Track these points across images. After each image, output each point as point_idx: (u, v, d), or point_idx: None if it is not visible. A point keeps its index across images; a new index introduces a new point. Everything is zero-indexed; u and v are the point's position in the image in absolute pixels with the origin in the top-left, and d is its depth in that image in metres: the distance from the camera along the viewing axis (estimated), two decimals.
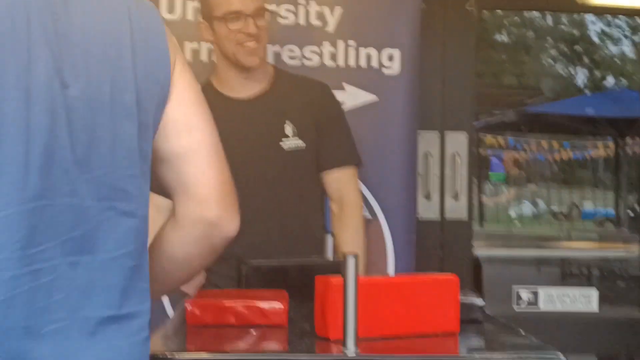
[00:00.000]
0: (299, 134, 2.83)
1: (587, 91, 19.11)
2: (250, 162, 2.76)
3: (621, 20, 18.00)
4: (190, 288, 2.17)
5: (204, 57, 3.51)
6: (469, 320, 1.96)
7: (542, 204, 19.35)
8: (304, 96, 2.90)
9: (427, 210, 4.02)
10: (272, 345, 1.79)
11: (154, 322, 1.85)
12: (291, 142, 2.82)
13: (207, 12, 2.87)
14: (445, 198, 4.08)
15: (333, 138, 2.90)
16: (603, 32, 19.08)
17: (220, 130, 2.85)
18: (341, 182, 2.89)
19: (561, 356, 1.63)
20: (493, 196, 18.55)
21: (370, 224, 3.34)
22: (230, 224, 1.55)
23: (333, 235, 2.91)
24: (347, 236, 2.85)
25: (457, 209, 4.08)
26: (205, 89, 2.90)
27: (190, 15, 3.51)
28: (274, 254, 2.60)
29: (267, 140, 2.82)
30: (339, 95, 3.18)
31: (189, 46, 3.51)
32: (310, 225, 2.87)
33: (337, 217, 2.89)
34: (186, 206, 1.53)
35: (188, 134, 1.52)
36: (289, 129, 2.82)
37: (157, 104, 1.45)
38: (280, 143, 2.81)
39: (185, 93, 1.52)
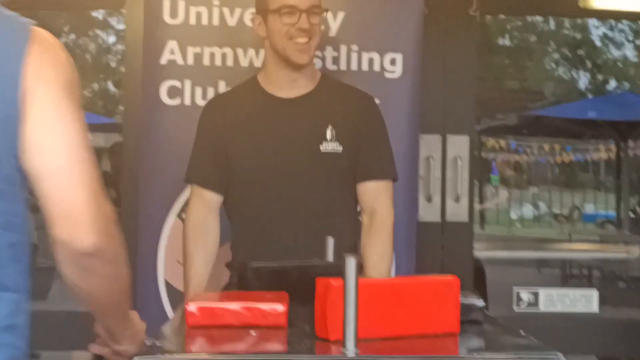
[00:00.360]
0: (338, 138, 2.81)
1: (589, 95, 19.09)
2: (288, 161, 2.79)
3: (624, 25, 17.99)
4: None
5: (206, 61, 3.53)
6: (470, 321, 1.97)
7: (543, 207, 19.33)
8: (348, 103, 2.89)
9: (428, 212, 4.03)
10: (272, 346, 1.80)
11: (154, 323, 1.86)
12: (330, 145, 2.81)
13: (261, 6, 2.86)
14: (446, 200, 4.09)
15: (372, 150, 2.87)
16: (606, 36, 19.06)
17: (262, 128, 2.86)
18: (375, 194, 2.85)
19: (561, 357, 1.64)
20: (487, 200, 18.53)
21: None
22: (81, 241, 1.52)
23: (361, 247, 2.87)
24: (374, 250, 2.81)
25: (458, 212, 4.09)
26: (249, 85, 2.94)
27: (193, 20, 3.53)
28: (300, 256, 2.56)
29: (306, 142, 2.81)
30: None
31: (192, 50, 3.52)
32: (338, 230, 2.79)
33: (366, 229, 2.85)
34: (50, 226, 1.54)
35: (43, 154, 1.52)
36: (329, 132, 2.82)
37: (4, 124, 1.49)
38: (320, 146, 2.81)
39: (46, 114, 1.52)
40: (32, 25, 1.57)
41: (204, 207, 2.88)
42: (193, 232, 2.85)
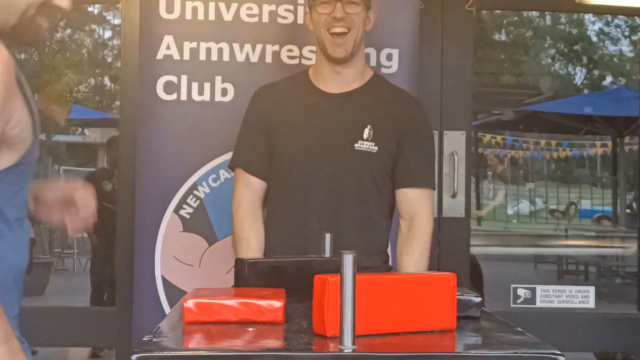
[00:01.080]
0: (375, 139, 2.79)
1: (585, 90, 19.12)
2: (324, 155, 2.78)
3: (620, 20, 18.01)
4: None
5: (202, 56, 3.52)
6: (466, 317, 1.97)
7: (539, 202, 19.36)
8: (392, 105, 2.86)
9: None
10: (269, 342, 1.79)
11: (151, 319, 1.86)
12: (365, 144, 2.79)
13: (310, 1, 2.89)
14: (443, 196, 4.10)
15: (414, 156, 2.84)
16: (602, 31, 19.09)
17: (303, 119, 2.86)
18: (414, 202, 2.82)
19: (558, 353, 1.64)
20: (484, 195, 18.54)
21: None
22: None
23: (397, 253, 2.85)
24: (410, 259, 2.78)
25: (454, 207, 4.09)
26: (299, 77, 2.94)
27: (189, 15, 3.52)
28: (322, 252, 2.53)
29: (343, 138, 2.80)
30: None
31: (188, 46, 3.52)
32: (366, 229, 2.81)
33: (404, 236, 2.83)
34: None
35: None
36: (367, 132, 2.80)
37: None
38: (355, 144, 2.79)
39: None
40: None
41: (251, 192, 2.87)
42: (246, 217, 2.84)
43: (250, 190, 2.86)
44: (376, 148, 2.78)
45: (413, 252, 2.79)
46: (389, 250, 2.92)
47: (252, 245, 2.79)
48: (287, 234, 2.81)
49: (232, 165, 2.93)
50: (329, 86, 2.86)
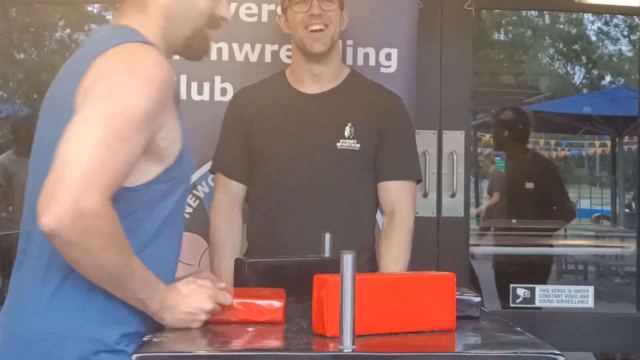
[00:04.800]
0: (356, 136, 2.81)
1: (584, 90, 19.11)
2: (306, 156, 2.80)
3: (619, 20, 18.01)
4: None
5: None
6: (465, 317, 1.97)
7: None
8: (371, 101, 2.88)
9: (424, 207, 4.03)
10: (269, 342, 1.79)
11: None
12: (347, 142, 2.80)
13: (282, 3, 2.93)
14: (442, 196, 4.10)
15: (393, 149, 2.85)
16: (601, 30, 19.08)
17: (283, 121, 2.90)
18: (395, 195, 2.83)
19: (558, 353, 1.64)
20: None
21: None
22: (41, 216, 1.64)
23: (378, 247, 2.85)
24: (389, 253, 2.78)
25: (453, 207, 4.09)
26: (276, 79, 2.96)
27: None
28: (308, 251, 2.53)
29: (324, 138, 2.82)
30: None
31: None
32: (352, 227, 2.82)
33: (385, 230, 2.83)
34: None
35: None
36: (348, 130, 2.81)
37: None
38: (337, 143, 2.80)
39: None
40: None
41: (228, 197, 2.91)
42: (220, 225, 2.88)
43: (228, 195, 2.91)
44: (358, 145, 2.80)
45: (392, 246, 2.79)
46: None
47: (226, 255, 2.83)
48: (271, 235, 2.82)
49: (211, 170, 2.99)
50: (306, 87, 2.88)
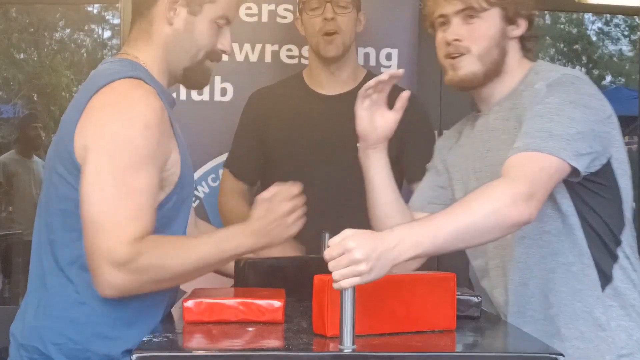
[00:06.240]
0: None
1: None
2: (323, 156, 2.81)
3: (619, 19, 18.01)
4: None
5: None
6: (466, 317, 1.97)
7: None
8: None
9: None
10: (269, 342, 1.80)
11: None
12: None
13: (298, 5, 2.97)
14: None
15: (417, 151, 2.84)
16: (601, 31, 19.09)
17: (300, 122, 2.90)
18: None
19: (558, 353, 1.64)
20: None
21: None
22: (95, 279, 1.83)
23: None
24: None
25: None
26: (294, 80, 2.97)
27: None
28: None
29: (342, 139, 2.78)
30: None
31: None
32: (371, 228, 2.82)
33: None
34: None
35: None
36: None
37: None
38: (358, 144, 2.80)
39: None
40: None
41: (234, 195, 2.97)
42: (229, 218, 2.92)
43: (234, 193, 2.99)
44: None
45: None
46: None
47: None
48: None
49: (225, 166, 3.05)
50: (324, 88, 2.89)
